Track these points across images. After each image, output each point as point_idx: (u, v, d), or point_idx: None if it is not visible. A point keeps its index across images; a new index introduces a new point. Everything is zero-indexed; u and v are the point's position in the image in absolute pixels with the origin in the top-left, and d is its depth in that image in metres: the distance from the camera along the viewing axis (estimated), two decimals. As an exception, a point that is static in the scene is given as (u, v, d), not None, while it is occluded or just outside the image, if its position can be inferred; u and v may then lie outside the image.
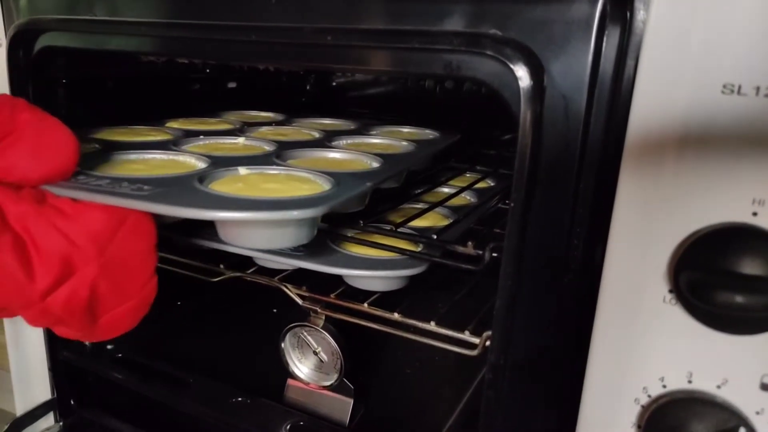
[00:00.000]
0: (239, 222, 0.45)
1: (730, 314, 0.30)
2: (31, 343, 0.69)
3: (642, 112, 0.32)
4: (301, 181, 0.48)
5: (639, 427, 0.35)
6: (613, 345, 0.35)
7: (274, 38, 0.45)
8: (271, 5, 0.44)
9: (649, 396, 0.34)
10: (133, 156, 0.54)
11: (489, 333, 0.46)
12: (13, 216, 0.37)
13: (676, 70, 0.30)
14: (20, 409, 0.71)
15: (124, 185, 0.42)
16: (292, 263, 0.56)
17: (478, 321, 0.50)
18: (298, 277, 0.59)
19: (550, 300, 0.38)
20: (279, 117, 0.84)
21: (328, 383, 0.59)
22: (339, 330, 0.58)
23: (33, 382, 0.71)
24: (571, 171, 0.35)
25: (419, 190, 0.69)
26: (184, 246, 0.59)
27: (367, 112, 1.03)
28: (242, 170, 0.49)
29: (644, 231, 0.32)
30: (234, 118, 0.79)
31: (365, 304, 0.55)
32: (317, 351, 0.59)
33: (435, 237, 0.51)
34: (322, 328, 0.57)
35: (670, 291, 0.32)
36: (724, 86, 0.29)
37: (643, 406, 0.35)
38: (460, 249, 0.48)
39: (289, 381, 0.61)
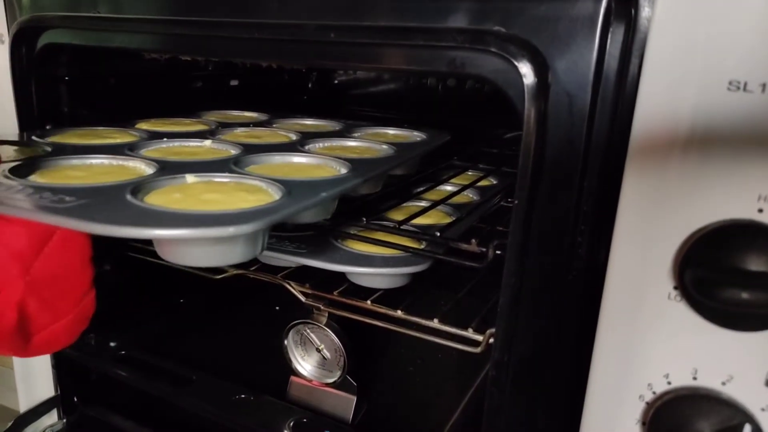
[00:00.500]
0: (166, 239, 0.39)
1: (736, 311, 0.30)
2: (35, 340, 0.69)
3: (647, 110, 0.32)
4: (249, 190, 0.44)
5: (643, 423, 0.35)
6: (617, 342, 0.35)
7: (277, 35, 0.44)
8: (275, 2, 0.44)
9: (653, 393, 0.34)
10: (76, 161, 0.50)
11: (492, 330, 0.46)
12: None
13: (681, 67, 0.30)
14: (24, 406, 0.72)
15: (45, 195, 0.38)
16: (295, 260, 0.56)
17: (481, 319, 0.50)
18: (301, 274, 0.59)
19: (554, 297, 0.38)
20: (262, 117, 0.80)
21: (331, 380, 0.59)
22: (342, 327, 0.58)
23: (36, 380, 0.71)
24: (576, 168, 0.35)
25: (422, 189, 0.69)
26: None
27: (369, 110, 1.03)
28: (190, 178, 0.45)
29: (649, 228, 0.32)
30: (213, 118, 0.76)
31: (368, 302, 0.55)
32: (320, 348, 0.60)
33: (438, 234, 0.52)
34: (325, 325, 0.57)
35: (675, 288, 0.32)
36: (730, 83, 0.29)
37: (647, 403, 0.35)
38: (464, 246, 0.48)
39: (292, 378, 0.61)
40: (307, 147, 0.60)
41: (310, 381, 0.60)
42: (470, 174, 0.77)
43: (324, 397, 0.60)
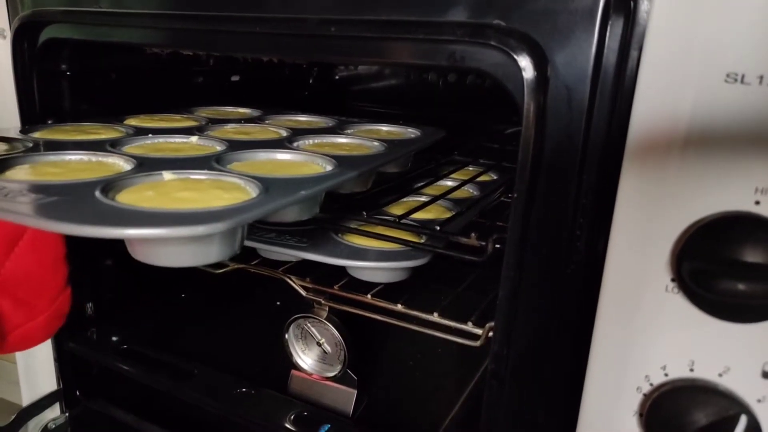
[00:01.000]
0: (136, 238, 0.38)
1: (732, 302, 0.30)
2: (37, 334, 0.69)
3: (645, 102, 0.32)
4: (225, 188, 0.43)
5: (641, 415, 0.35)
6: (615, 334, 0.35)
7: (278, 30, 0.45)
8: (275, -4, 0.44)
9: (651, 384, 0.35)
10: (53, 158, 0.48)
11: (492, 324, 0.46)
12: None
13: (679, 60, 0.30)
14: (26, 399, 0.72)
15: (12, 193, 0.37)
16: (296, 254, 0.56)
17: (481, 313, 0.50)
18: (301, 268, 0.59)
19: (553, 290, 0.38)
20: (255, 113, 0.79)
21: (331, 374, 0.59)
22: (343, 321, 0.58)
23: (39, 374, 0.72)
24: (575, 162, 0.36)
25: (422, 183, 0.69)
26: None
27: (370, 106, 1.03)
28: (167, 175, 0.44)
29: (647, 221, 0.33)
30: (205, 114, 0.75)
31: (368, 296, 0.55)
32: (321, 342, 0.60)
33: (438, 228, 0.52)
34: (325, 319, 0.58)
35: (673, 280, 0.32)
36: (728, 75, 0.29)
37: (645, 395, 0.35)
38: (464, 240, 0.49)
39: (293, 372, 0.62)
40: (295, 144, 0.59)
41: (310, 375, 0.61)
42: (471, 169, 0.77)
43: (324, 390, 0.60)
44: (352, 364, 0.58)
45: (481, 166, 0.78)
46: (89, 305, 0.69)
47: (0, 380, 1.42)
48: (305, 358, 0.61)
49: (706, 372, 0.33)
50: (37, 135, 0.56)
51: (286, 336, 0.61)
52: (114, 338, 0.69)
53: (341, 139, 0.64)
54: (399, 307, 0.53)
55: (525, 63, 0.35)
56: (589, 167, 0.36)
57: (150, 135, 0.58)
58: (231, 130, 0.65)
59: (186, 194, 0.41)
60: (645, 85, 0.32)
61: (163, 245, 0.38)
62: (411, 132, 0.69)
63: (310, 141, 0.62)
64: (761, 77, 0.28)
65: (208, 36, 0.49)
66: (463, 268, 0.62)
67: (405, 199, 0.65)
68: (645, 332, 0.34)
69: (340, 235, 0.59)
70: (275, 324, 0.63)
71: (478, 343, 0.49)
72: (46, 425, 0.70)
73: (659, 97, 0.31)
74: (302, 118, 0.77)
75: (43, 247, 0.39)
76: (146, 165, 0.46)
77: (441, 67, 0.74)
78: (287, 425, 0.55)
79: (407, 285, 0.57)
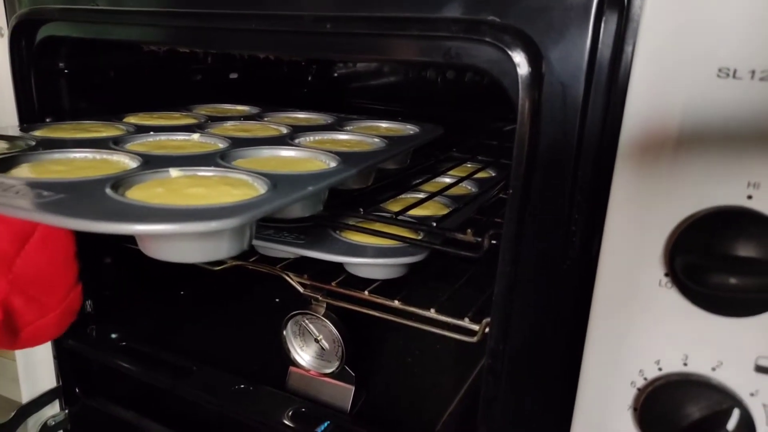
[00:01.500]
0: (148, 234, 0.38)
1: (725, 296, 0.30)
2: (36, 331, 0.69)
3: (639, 98, 0.32)
4: (233, 184, 0.43)
5: (635, 409, 0.35)
6: (609, 329, 0.35)
7: (275, 26, 0.45)
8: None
9: (645, 378, 0.35)
10: (58, 156, 0.48)
11: (488, 320, 0.46)
12: None
13: (672, 55, 0.30)
14: (26, 397, 0.72)
15: (22, 191, 0.37)
16: (293, 251, 0.56)
17: (477, 309, 0.50)
18: (299, 265, 0.60)
19: (549, 286, 0.38)
20: (253, 111, 0.79)
21: (329, 371, 0.60)
22: (340, 318, 0.58)
23: (38, 371, 0.72)
24: (570, 158, 0.36)
25: (420, 180, 0.70)
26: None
27: (369, 103, 1.03)
28: (174, 172, 0.44)
29: (641, 216, 0.33)
30: (204, 112, 0.75)
31: (366, 292, 0.55)
32: (319, 339, 0.60)
33: (435, 225, 0.52)
34: (323, 315, 0.58)
35: (666, 275, 0.33)
36: (720, 70, 0.29)
37: (639, 389, 0.35)
38: (460, 236, 0.49)
39: (291, 368, 0.62)
40: (296, 140, 0.59)
41: (308, 371, 0.61)
42: (469, 166, 0.77)
43: (322, 387, 0.60)
44: (350, 360, 0.59)
45: (479, 162, 0.78)
46: (89, 303, 0.69)
47: None
48: (303, 355, 0.62)
49: (700, 366, 0.33)
50: (37, 133, 0.56)
51: (284, 333, 0.61)
52: (113, 335, 0.69)
53: (342, 136, 0.64)
54: (396, 303, 0.54)
55: (519, 59, 0.35)
56: (584, 163, 0.36)
57: (152, 132, 0.58)
58: (231, 128, 0.65)
59: (196, 190, 0.41)
60: (638, 80, 0.32)
61: (175, 241, 0.38)
62: (410, 129, 0.70)
63: (312, 138, 0.62)
64: (753, 72, 0.28)
65: (204, 33, 0.49)
66: (460, 264, 0.62)
67: (403, 196, 0.65)
68: (639, 327, 0.34)
69: (337, 232, 0.59)
70: (273, 321, 0.63)
71: (474, 339, 0.50)
72: (45, 422, 0.71)
73: (652, 92, 0.31)
74: (301, 115, 0.77)
75: (53, 245, 0.39)
76: (152, 162, 0.46)
77: (437, 63, 0.74)
78: (285, 421, 0.56)
79: (404, 281, 0.57)
